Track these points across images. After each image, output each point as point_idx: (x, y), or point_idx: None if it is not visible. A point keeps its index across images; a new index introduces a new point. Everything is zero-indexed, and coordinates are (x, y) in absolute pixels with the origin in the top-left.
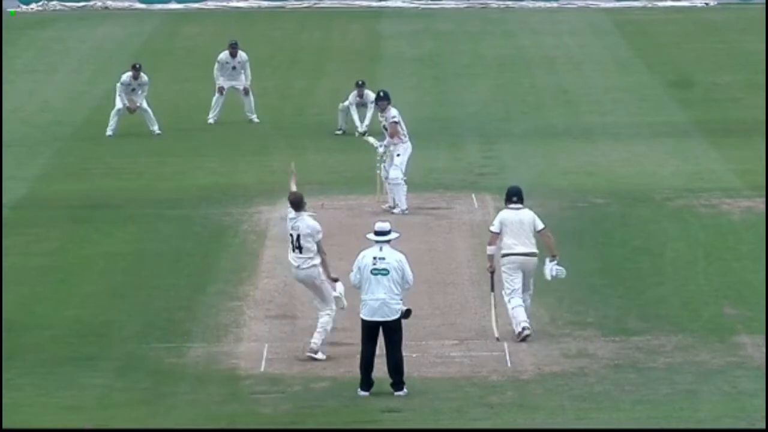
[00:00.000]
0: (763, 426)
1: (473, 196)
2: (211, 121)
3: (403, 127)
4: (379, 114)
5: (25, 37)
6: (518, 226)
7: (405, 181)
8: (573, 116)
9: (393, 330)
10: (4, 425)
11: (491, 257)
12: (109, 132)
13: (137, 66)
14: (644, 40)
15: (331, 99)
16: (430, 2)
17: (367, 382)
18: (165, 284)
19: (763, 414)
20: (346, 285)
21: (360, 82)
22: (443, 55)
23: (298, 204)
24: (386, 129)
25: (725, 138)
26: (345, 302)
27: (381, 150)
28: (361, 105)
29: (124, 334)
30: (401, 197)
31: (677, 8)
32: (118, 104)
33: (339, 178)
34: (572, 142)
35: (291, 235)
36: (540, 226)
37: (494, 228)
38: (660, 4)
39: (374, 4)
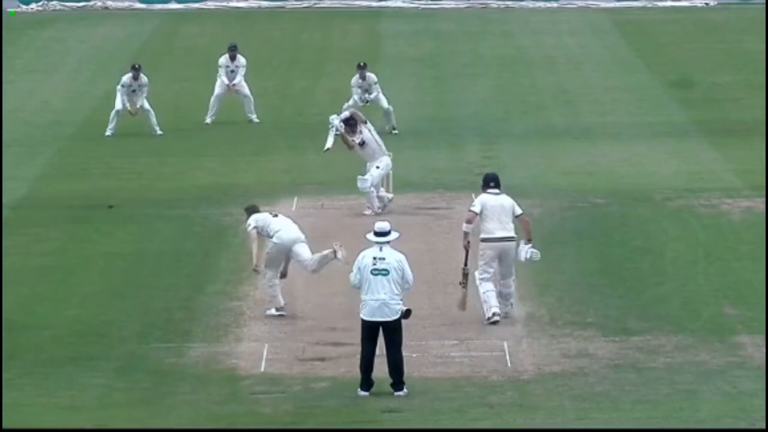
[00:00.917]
0: (763, 426)
1: (473, 196)
2: (208, 121)
3: (380, 142)
4: (348, 135)
5: (25, 37)
6: (499, 210)
7: (374, 188)
8: (573, 116)
9: (393, 330)
10: (4, 425)
11: (467, 234)
12: (108, 132)
13: (137, 66)
14: (644, 40)
15: (331, 99)
16: (430, 2)
17: (367, 383)
18: (165, 284)
19: (763, 414)
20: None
21: (361, 64)
22: (443, 55)
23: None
24: (362, 144)
25: (725, 138)
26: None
27: (336, 124)
28: (365, 89)
29: (124, 334)
30: (373, 201)
31: (677, 8)
32: (118, 105)
33: (339, 178)
34: (572, 142)
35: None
36: (519, 211)
37: (475, 208)
38: (660, 4)
39: (374, 4)
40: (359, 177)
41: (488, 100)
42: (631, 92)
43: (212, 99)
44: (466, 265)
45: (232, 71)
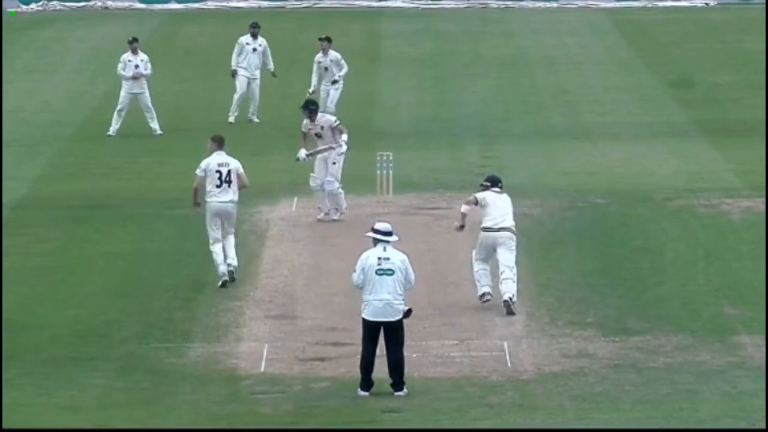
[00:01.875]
0: (763, 426)
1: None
2: (231, 120)
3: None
4: (309, 123)
5: (25, 37)
6: (501, 204)
7: (341, 186)
8: (573, 116)
9: (395, 330)
10: (4, 425)
11: (464, 216)
12: (110, 132)
13: (133, 40)
14: (644, 40)
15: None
16: (430, 2)
17: (367, 383)
18: (165, 284)
19: (763, 414)
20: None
21: (323, 36)
22: (443, 55)
23: (222, 142)
24: (319, 136)
25: (725, 138)
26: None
27: (303, 157)
28: (324, 68)
29: (124, 334)
30: (341, 202)
31: (677, 8)
32: (120, 103)
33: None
34: (572, 142)
35: (219, 171)
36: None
37: (478, 195)
38: (660, 4)
39: (374, 4)
40: (312, 175)
41: (488, 100)
42: (631, 92)
43: (236, 95)
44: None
45: (254, 50)
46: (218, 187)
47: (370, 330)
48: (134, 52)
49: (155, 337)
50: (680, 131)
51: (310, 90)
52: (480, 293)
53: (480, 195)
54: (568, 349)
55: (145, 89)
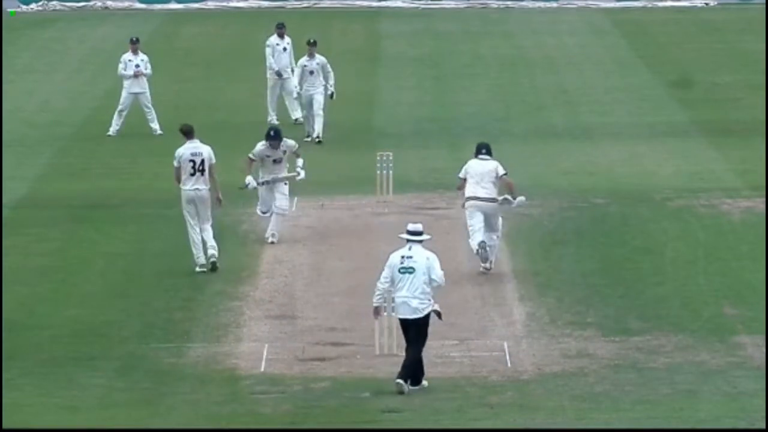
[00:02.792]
0: (763, 426)
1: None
2: (275, 120)
3: None
4: (268, 150)
5: (25, 37)
6: (482, 174)
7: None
8: (573, 116)
9: (415, 328)
10: (4, 425)
11: (462, 194)
12: (110, 132)
13: (134, 40)
14: (644, 40)
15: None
16: (430, 2)
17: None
18: (165, 284)
19: (763, 414)
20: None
21: (311, 41)
22: (443, 55)
23: (191, 132)
24: (278, 161)
25: (725, 138)
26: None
27: (253, 185)
28: (309, 71)
29: (124, 334)
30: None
31: (677, 8)
32: (121, 104)
33: (339, 178)
34: (572, 142)
35: (192, 161)
36: (501, 172)
37: (461, 174)
38: (660, 4)
39: (374, 4)
40: (281, 195)
41: (488, 100)
42: (631, 92)
43: (268, 96)
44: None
45: (285, 49)
46: (192, 175)
47: (402, 326)
48: (135, 52)
49: (155, 337)
50: (680, 131)
51: (294, 95)
52: (474, 246)
53: (462, 171)
54: (568, 349)
55: (146, 89)
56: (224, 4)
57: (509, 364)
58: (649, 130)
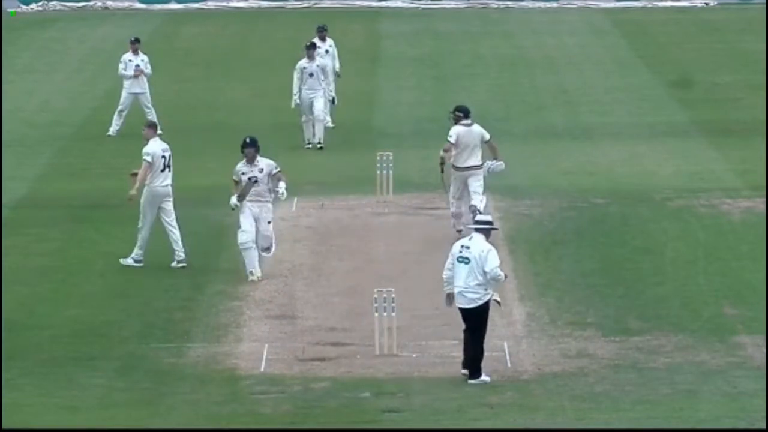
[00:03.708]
0: (763, 426)
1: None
2: (330, 124)
3: None
4: (244, 166)
5: (25, 37)
6: (471, 141)
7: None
8: (573, 116)
9: (470, 318)
10: (4, 425)
11: (443, 159)
12: (110, 132)
13: (135, 40)
14: (644, 40)
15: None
16: (430, 2)
17: (465, 363)
18: (165, 284)
19: (763, 414)
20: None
21: (309, 44)
22: (443, 55)
23: (157, 128)
24: (256, 181)
25: (725, 138)
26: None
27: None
28: (309, 73)
29: (124, 334)
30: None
31: (677, 8)
32: (122, 104)
33: (339, 178)
34: (572, 142)
35: (164, 157)
36: (487, 137)
37: (452, 139)
38: (660, 4)
39: (374, 4)
40: (242, 230)
41: (488, 100)
42: (631, 92)
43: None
44: (442, 172)
45: (327, 51)
46: (162, 171)
47: (461, 315)
48: (135, 52)
49: (155, 337)
50: (680, 131)
51: (295, 102)
52: (452, 212)
53: (453, 136)
54: (568, 349)
55: (146, 89)
56: (224, 4)
57: (509, 364)
58: (649, 130)
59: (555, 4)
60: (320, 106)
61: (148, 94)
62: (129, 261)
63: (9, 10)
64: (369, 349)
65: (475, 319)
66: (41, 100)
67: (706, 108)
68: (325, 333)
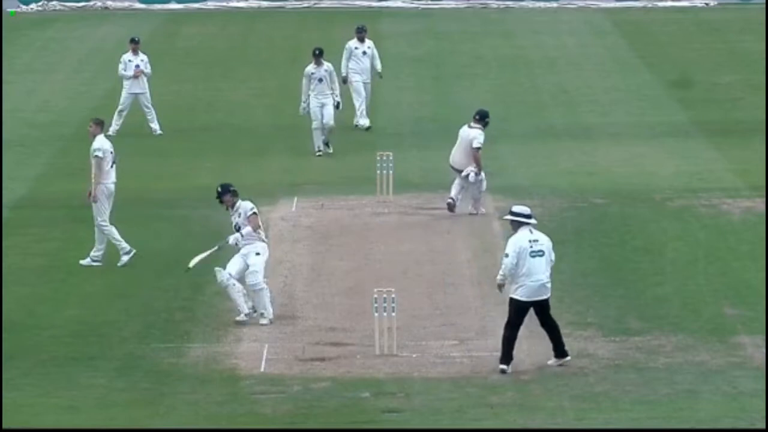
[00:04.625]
0: (763, 426)
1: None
2: (360, 123)
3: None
4: (230, 210)
5: (25, 37)
6: (460, 142)
7: (266, 282)
8: (573, 116)
9: (546, 307)
10: (4, 425)
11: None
12: (110, 132)
13: (135, 40)
14: (644, 40)
15: None
16: (430, 2)
17: (506, 357)
18: (165, 284)
19: (763, 414)
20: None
21: (317, 51)
22: (443, 55)
23: (104, 125)
24: (238, 228)
25: (725, 138)
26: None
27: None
28: (318, 79)
29: (124, 334)
30: (266, 303)
31: (677, 8)
32: (122, 103)
33: (339, 178)
34: (572, 142)
35: (113, 153)
36: (475, 145)
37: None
38: (660, 4)
39: (374, 4)
40: (252, 270)
41: (488, 100)
42: (631, 92)
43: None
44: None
45: (364, 53)
46: (111, 168)
47: (522, 311)
48: (135, 52)
49: (155, 337)
50: (680, 131)
51: (303, 108)
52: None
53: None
54: (568, 349)
55: (146, 89)
56: (224, 4)
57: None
58: (649, 130)
59: (555, 4)
60: (330, 113)
61: (148, 94)
62: (87, 261)
63: (9, 10)
64: (369, 349)
65: (548, 306)
66: (41, 100)
67: (706, 108)
68: (325, 333)
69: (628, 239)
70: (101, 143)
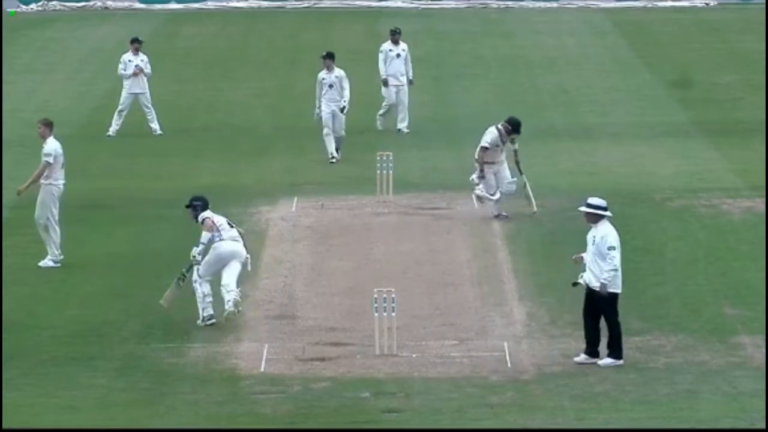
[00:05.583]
0: (763, 426)
1: (473, 196)
2: (403, 128)
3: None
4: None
5: (25, 37)
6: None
7: (200, 282)
8: (573, 116)
9: (597, 302)
10: (4, 425)
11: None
12: (110, 132)
13: (135, 40)
14: (644, 40)
15: None
16: (430, 2)
17: (587, 348)
18: (165, 284)
19: (763, 414)
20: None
21: (327, 54)
22: (443, 55)
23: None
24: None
25: (725, 138)
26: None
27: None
28: (329, 84)
29: (124, 334)
30: (198, 302)
31: (677, 8)
32: (122, 103)
33: (339, 178)
34: (572, 142)
35: (63, 155)
36: (481, 143)
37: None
38: (660, 4)
39: (374, 4)
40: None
41: (488, 100)
42: (631, 92)
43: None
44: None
45: (398, 55)
46: (62, 169)
47: (585, 297)
48: (135, 52)
49: (155, 337)
50: (680, 131)
51: (317, 115)
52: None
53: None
54: (568, 349)
55: (146, 89)
56: (224, 4)
57: (509, 364)
58: (649, 130)
59: (555, 4)
60: (341, 123)
61: (148, 94)
62: (48, 263)
63: (9, 10)
64: (369, 349)
65: (601, 301)
66: (41, 100)
67: (706, 108)
68: (325, 333)
69: (628, 239)
70: (53, 147)
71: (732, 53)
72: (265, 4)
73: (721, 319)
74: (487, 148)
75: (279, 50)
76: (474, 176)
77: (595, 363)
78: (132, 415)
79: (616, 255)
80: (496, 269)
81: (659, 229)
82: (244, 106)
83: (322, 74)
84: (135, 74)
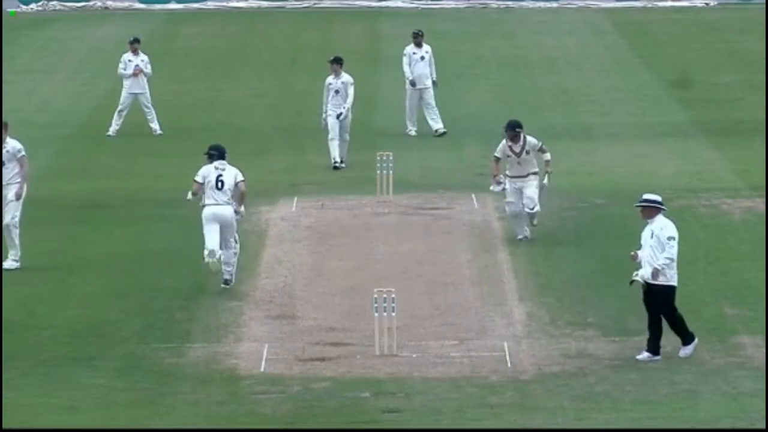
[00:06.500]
0: (763, 426)
1: (473, 196)
2: (413, 132)
3: None
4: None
5: (24, 37)
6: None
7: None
8: (573, 116)
9: (652, 295)
10: (4, 425)
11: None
12: (110, 132)
13: (134, 40)
14: (644, 40)
15: None
16: (430, 2)
17: (648, 345)
18: (165, 284)
19: (763, 414)
20: None
21: (334, 59)
22: (443, 55)
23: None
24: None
25: (725, 138)
26: None
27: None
28: (335, 90)
29: (124, 334)
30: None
31: (677, 8)
32: (122, 103)
33: (339, 178)
34: (572, 142)
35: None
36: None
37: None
38: (660, 4)
39: (374, 4)
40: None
41: (488, 100)
42: (631, 92)
43: (406, 108)
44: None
45: (422, 58)
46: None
47: (643, 294)
48: (135, 52)
49: (155, 337)
50: (680, 131)
51: (323, 121)
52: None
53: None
54: (568, 349)
55: (146, 89)
56: (224, 4)
57: (509, 364)
58: (649, 130)
59: (555, 4)
60: (346, 128)
61: (147, 94)
62: (12, 264)
63: (9, 10)
64: (369, 349)
65: (656, 296)
66: (41, 100)
67: (706, 108)
68: (325, 333)
69: (628, 239)
70: (18, 146)
71: (732, 53)
72: (265, 4)
73: (721, 319)
74: (498, 158)
75: (279, 50)
76: (491, 188)
77: (657, 359)
78: (132, 415)
79: (675, 245)
80: (496, 269)
81: None
82: (244, 106)
83: (330, 79)
84: (135, 74)
